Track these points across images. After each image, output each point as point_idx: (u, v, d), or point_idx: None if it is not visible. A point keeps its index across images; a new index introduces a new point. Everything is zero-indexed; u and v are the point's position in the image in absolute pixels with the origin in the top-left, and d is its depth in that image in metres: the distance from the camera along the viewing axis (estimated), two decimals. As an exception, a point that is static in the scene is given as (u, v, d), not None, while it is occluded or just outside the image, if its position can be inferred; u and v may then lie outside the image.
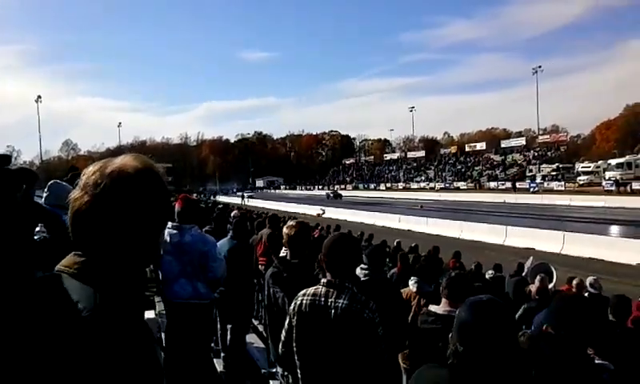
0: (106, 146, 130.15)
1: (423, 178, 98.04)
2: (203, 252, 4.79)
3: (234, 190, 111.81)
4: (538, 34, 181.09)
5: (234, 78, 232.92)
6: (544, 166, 75.68)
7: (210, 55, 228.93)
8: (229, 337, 6.05)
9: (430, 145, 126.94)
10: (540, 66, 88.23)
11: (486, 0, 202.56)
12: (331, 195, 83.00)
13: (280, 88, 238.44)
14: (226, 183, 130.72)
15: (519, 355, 1.86)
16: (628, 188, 50.89)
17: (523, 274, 11.26)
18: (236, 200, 71.90)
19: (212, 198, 74.24)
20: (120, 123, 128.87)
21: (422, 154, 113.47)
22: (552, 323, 2.53)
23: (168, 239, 4.79)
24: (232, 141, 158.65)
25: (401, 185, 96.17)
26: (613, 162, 61.10)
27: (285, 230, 3.94)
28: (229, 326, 6.10)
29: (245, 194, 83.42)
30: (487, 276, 10.74)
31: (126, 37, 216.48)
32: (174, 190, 42.32)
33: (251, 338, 6.65)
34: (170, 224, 4.90)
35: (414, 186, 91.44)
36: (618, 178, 54.70)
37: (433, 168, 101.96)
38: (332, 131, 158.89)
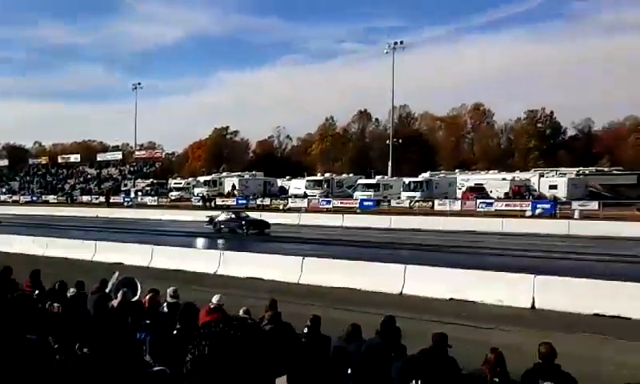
0: None
1: (5, 189, 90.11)
2: None
3: None
4: (141, 50, 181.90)
5: None
6: (139, 181, 78.80)
7: None
8: None
9: (16, 153, 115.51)
10: (140, 83, 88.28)
11: (92, 8, 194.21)
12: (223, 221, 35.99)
13: None
14: None
15: None
16: (213, 203, 56.45)
17: (107, 289, 11.01)
18: None
19: None
20: None
21: (5, 163, 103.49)
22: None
23: None
24: None
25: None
26: (201, 179, 68.12)
27: None
28: None
29: None
30: (69, 294, 10.06)
31: None
32: None
33: None
34: None
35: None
36: (204, 194, 60.34)
37: (18, 179, 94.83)
38: None
